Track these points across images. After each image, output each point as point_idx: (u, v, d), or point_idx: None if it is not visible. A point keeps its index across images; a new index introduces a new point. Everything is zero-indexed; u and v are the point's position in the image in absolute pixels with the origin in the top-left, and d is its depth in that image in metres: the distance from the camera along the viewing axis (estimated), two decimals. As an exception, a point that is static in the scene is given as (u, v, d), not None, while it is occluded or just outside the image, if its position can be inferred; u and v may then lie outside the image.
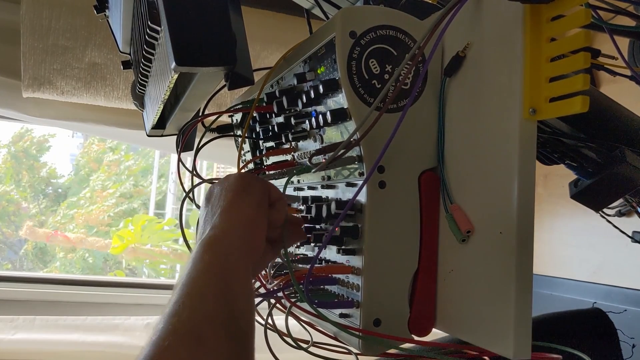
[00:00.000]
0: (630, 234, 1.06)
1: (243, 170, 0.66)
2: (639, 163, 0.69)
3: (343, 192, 0.61)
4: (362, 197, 0.56)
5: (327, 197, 0.64)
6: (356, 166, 0.57)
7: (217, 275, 0.45)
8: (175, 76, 0.55)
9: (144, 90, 0.87)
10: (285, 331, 0.61)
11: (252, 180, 0.56)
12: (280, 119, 0.70)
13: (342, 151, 0.53)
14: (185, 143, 0.83)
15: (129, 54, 0.93)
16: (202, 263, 0.46)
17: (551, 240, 1.68)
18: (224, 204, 0.53)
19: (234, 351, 0.41)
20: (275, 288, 0.60)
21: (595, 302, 1.51)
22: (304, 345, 0.62)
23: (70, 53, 1.46)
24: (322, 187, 0.66)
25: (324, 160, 0.55)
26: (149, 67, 0.72)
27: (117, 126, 1.62)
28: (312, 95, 0.59)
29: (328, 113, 0.56)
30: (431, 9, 0.66)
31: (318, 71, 0.60)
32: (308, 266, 0.56)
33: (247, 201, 0.53)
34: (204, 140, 0.79)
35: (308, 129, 0.64)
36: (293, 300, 0.57)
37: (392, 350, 0.53)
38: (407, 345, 0.55)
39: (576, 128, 0.70)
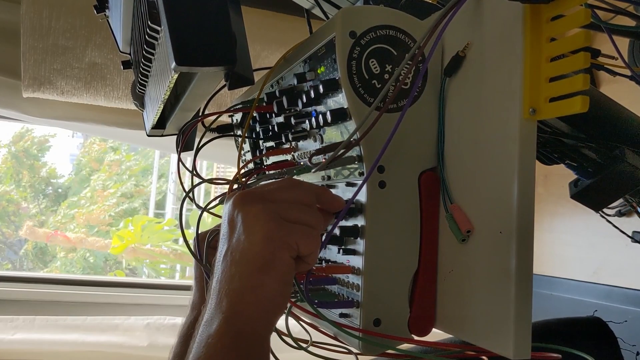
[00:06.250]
0: (630, 234, 1.06)
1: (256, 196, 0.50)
2: (639, 163, 0.69)
3: (343, 192, 0.60)
4: (362, 197, 0.56)
5: (327, 197, 0.64)
6: (356, 166, 0.57)
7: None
8: (175, 76, 0.55)
9: (144, 90, 0.87)
10: (285, 331, 0.61)
11: (278, 249, 0.46)
12: (280, 119, 0.70)
13: (342, 151, 0.53)
14: (185, 143, 0.83)
15: (129, 54, 0.93)
16: (220, 345, 0.45)
17: (551, 240, 1.68)
18: (244, 279, 0.46)
19: None
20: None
21: (595, 311, 1.50)
22: (304, 345, 0.62)
23: (70, 53, 1.46)
24: (322, 187, 0.66)
25: (324, 160, 0.55)
26: (149, 67, 0.72)
27: (117, 126, 1.62)
28: (312, 95, 0.59)
29: (328, 113, 0.56)
30: (431, 9, 0.66)
31: (318, 71, 0.60)
32: None
33: (272, 277, 0.46)
34: (204, 140, 0.79)
35: (308, 129, 0.64)
36: (293, 300, 0.57)
37: (391, 351, 0.53)
38: (406, 345, 0.55)
39: (576, 128, 0.70)
